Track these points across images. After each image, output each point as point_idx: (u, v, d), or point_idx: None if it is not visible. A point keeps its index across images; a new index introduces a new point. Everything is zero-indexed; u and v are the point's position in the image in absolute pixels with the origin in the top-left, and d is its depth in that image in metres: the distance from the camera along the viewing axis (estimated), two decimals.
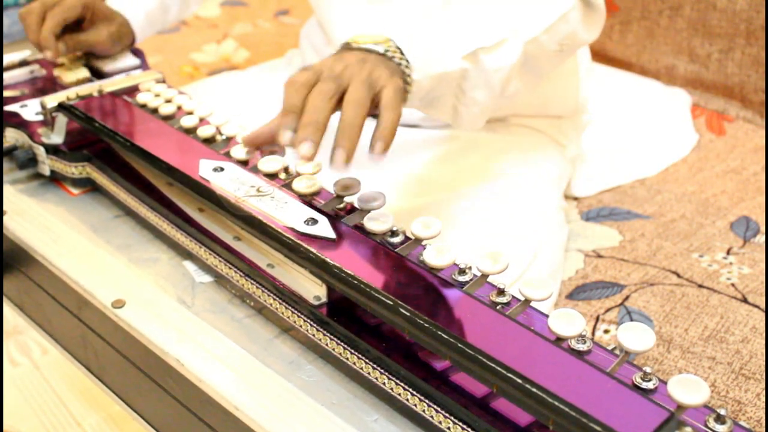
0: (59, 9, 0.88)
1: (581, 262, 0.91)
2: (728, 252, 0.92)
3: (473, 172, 0.87)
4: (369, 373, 0.54)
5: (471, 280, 0.54)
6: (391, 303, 0.51)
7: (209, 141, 0.72)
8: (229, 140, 0.72)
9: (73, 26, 0.90)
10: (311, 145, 0.60)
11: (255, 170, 0.66)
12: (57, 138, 0.79)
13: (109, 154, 0.77)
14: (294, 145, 0.61)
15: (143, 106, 0.78)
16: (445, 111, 0.78)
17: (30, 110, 0.84)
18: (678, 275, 0.88)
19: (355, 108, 0.62)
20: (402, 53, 0.69)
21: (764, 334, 0.79)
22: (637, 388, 0.46)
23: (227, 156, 0.69)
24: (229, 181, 0.65)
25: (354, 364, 0.55)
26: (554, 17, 0.79)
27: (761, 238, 0.94)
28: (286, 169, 0.66)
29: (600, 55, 1.35)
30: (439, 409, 0.50)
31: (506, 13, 0.79)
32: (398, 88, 0.65)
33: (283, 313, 0.60)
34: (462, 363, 0.48)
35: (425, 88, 0.72)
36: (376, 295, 0.52)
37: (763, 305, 0.83)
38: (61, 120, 0.79)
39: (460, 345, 0.48)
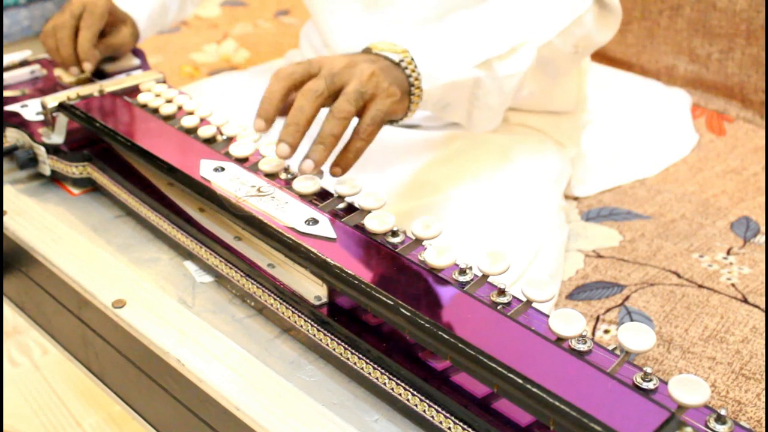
0: (92, 18, 0.87)
1: (581, 262, 0.91)
2: (728, 252, 0.92)
3: (473, 172, 0.87)
4: (370, 374, 0.54)
5: (471, 280, 0.54)
6: (392, 303, 0.51)
7: (210, 141, 0.72)
8: (230, 140, 0.72)
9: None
10: (288, 149, 0.64)
11: (255, 170, 0.66)
12: (57, 138, 0.79)
13: (109, 154, 0.77)
14: (279, 148, 0.64)
15: (144, 106, 0.78)
16: (460, 115, 0.79)
17: (30, 110, 0.84)
18: (678, 275, 0.88)
19: (337, 121, 0.64)
20: (415, 65, 0.70)
21: (764, 334, 0.79)
22: (637, 388, 0.46)
23: (228, 156, 0.69)
24: (229, 181, 0.65)
25: (355, 364, 0.55)
26: (568, 20, 0.79)
27: (761, 238, 0.94)
28: (286, 169, 0.66)
29: (600, 55, 1.35)
30: (439, 409, 0.50)
31: (519, 17, 0.79)
32: (384, 108, 0.66)
33: (283, 313, 0.60)
34: (463, 363, 0.48)
35: (436, 95, 0.73)
36: (377, 295, 0.52)
37: (763, 305, 0.83)
38: (62, 120, 0.79)
39: (460, 345, 0.48)
